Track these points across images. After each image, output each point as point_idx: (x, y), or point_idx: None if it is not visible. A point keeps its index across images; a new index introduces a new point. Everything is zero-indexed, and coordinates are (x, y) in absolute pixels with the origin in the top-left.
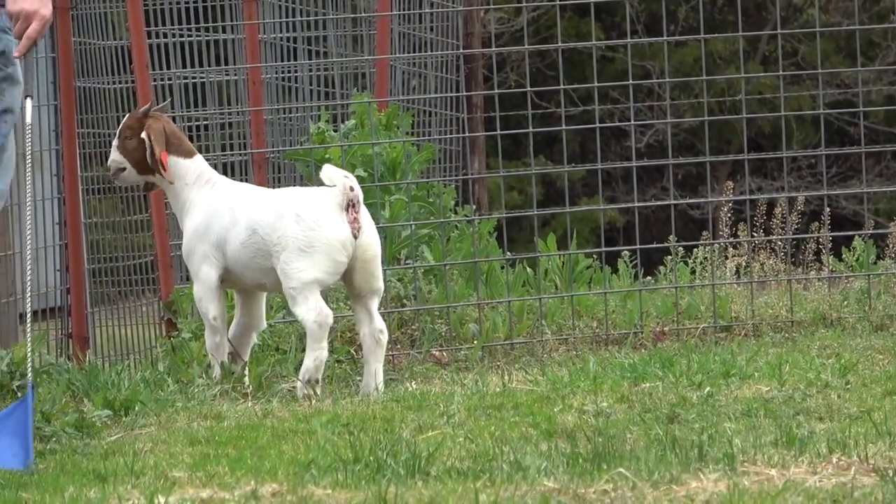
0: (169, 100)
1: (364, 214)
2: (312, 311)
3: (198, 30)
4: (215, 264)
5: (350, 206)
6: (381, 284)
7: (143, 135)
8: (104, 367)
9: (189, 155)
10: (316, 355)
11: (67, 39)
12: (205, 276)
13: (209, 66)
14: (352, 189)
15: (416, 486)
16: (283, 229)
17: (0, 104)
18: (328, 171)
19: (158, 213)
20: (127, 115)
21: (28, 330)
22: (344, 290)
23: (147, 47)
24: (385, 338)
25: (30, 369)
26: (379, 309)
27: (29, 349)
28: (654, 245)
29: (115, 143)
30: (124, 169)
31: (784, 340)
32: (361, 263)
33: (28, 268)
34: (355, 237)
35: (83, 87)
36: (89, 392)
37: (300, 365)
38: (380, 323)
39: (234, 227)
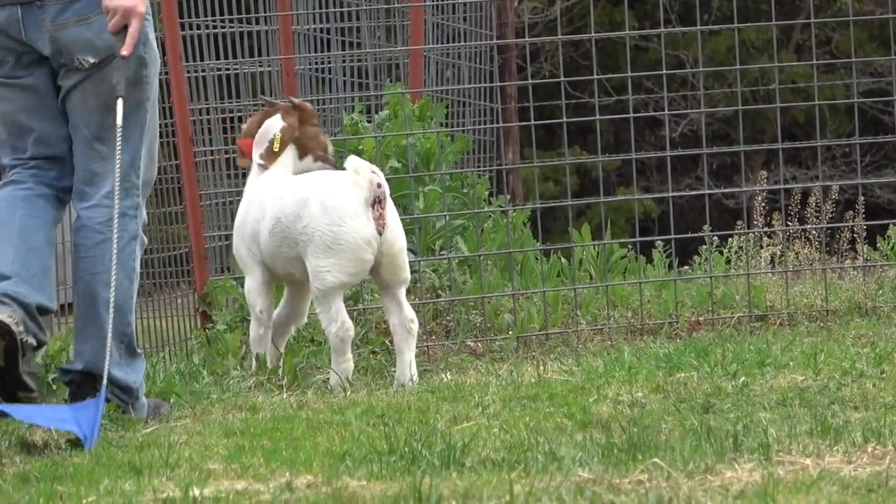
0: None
1: (389, 209)
2: (334, 322)
3: (231, 21)
4: (256, 258)
5: (376, 202)
6: (408, 275)
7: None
8: None
9: None
10: (342, 369)
11: None
12: (253, 271)
13: (243, 57)
14: (379, 186)
15: (450, 477)
16: (308, 219)
17: (143, 92)
18: (355, 164)
19: (193, 205)
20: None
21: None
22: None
23: (181, 39)
24: (416, 326)
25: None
26: (413, 300)
27: (109, 344)
28: (688, 235)
29: None
30: None
31: (819, 330)
32: (388, 258)
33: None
34: (380, 234)
35: None
36: None
37: None
38: (409, 312)
39: (264, 219)
